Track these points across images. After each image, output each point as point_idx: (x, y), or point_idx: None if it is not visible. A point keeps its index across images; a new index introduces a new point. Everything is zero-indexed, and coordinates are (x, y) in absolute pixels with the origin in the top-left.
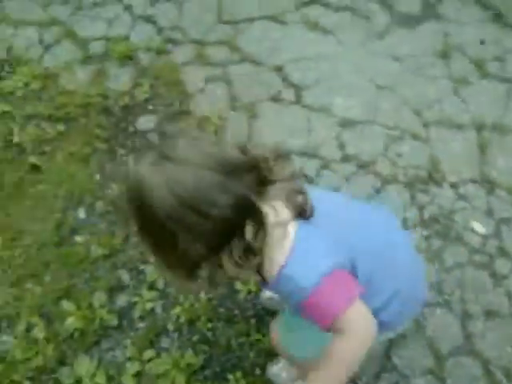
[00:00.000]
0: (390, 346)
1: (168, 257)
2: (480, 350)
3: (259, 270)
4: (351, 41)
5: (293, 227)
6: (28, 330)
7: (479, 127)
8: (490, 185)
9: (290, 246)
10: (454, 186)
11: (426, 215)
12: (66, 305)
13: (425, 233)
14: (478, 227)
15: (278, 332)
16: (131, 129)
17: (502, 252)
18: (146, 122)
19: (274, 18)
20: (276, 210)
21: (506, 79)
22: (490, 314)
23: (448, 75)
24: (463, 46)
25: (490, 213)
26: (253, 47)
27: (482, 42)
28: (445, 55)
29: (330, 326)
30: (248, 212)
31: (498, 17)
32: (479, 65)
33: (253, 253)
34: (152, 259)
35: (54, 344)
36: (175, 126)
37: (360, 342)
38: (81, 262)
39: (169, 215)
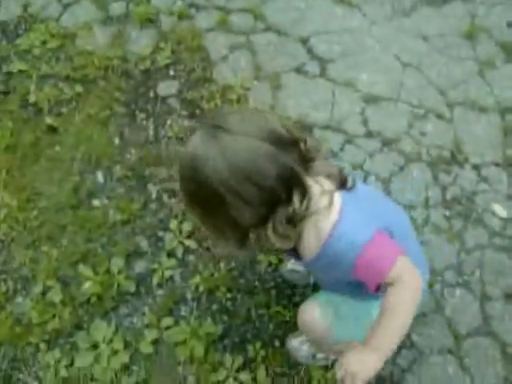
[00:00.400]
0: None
1: (218, 225)
2: (498, 333)
3: (297, 245)
4: (377, 16)
5: (338, 195)
6: (44, 292)
7: (503, 111)
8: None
9: (338, 210)
10: (476, 167)
11: (448, 196)
12: (83, 269)
13: (447, 213)
14: (499, 210)
15: (322, 315)
16: (151, 94)
17: None
18: (166, 88)
19: None
20: (319, 183)
21: None
22: (509, 297)
23: (474, 57)
24: (490, 28)
25: (511, 196)
26: (277, 17)
27: (509, 25)
28: (471, 36)
29: (382, 282)
30: (294, 182)
31: None
32: (505, 48)
33: (295, 222)
34: (203, 229)
35: (70, 308)
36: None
37: (413, 290)
38: (98, 226)
39: (223, 184)
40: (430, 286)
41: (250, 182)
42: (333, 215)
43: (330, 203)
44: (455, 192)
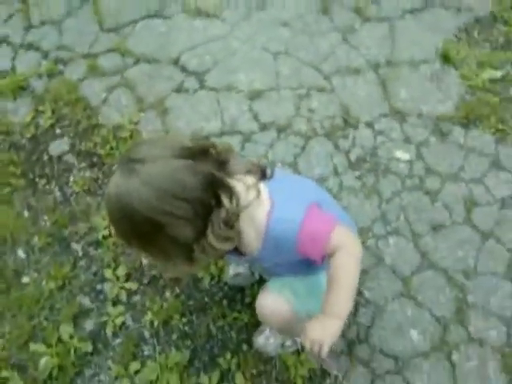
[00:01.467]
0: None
1: (162, 250)
2: (437, 262)
3: (238, 243)
4: (235, 18)
5: (263, 186)
6: None
7: (375, 67)
8: (400, 115)
9: (268, 199)
10: (369, 125)
11: (353, 158)
12: (35, 347)
13: (356, 174)
14: (402, 155)
15: (280, 297)
16: (45, 157)
17: (429, 171)
18: (58, 147)
19: (155, 15)
20: (242, 181)
21: (385, 18)
22: (436, 228)
23: (334, 28)
24: None
25: (408, 140)
26: (144, 47)
27: None
28: (326, 10)
29: (325, 252)
30: (218, 186)
31: None
32: (358, 11)
33: (232, 221)
34: (147, 259)
35: None
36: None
37: (355, 253)
38: (36, 301)
39: (154, 210)
40: (364, 242)
41: (178, 199)
42: (264, 205)
43: (258, 194)
44: (358, 153)
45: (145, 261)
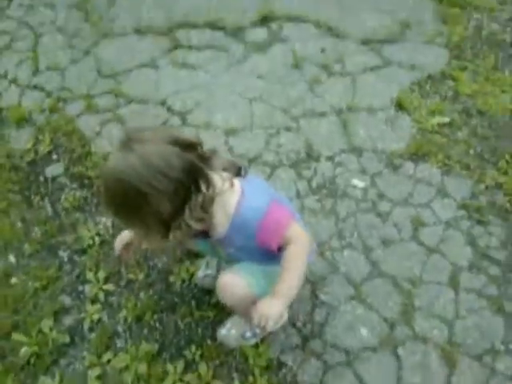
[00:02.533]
0: (314, 288)
1: (143, 222)
2: (386, 271)
3: (210, 226)
4: (217, 70)
5: (237, 180)
6: None
7: (338, 111)
8: (357, 151)
9: (240, 190)
10: (329, 158)
11: (314, 185)
12: (16, 337)
13: (316, 197)
14: (358, 183)
15: (240, 277)
16: (41, 178)
17: (381, 196)
18: (53, 170)
19: (147, 65)
20: (219, 174)
21: (347, 73)
22: (386, 243)
23: (303, 79)
24: (309, 56)
25: (364, 171)
26: (135, 91)
27: (323, 50)
28: (297, 66)
29: (281, 242)
30: (198, 174)
31: (330, 30)
32: (325, 68)
33: (207, 205)
34: (131, 231)
35: (12, 374)
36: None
37: (305, 246)
38: (21, 298)
39: (142, 181)
40: (322, 254)
41: (163, 175)
42: (236, 194)
43: (232, 185)
44: (318, 180)
45: (123, 267)
